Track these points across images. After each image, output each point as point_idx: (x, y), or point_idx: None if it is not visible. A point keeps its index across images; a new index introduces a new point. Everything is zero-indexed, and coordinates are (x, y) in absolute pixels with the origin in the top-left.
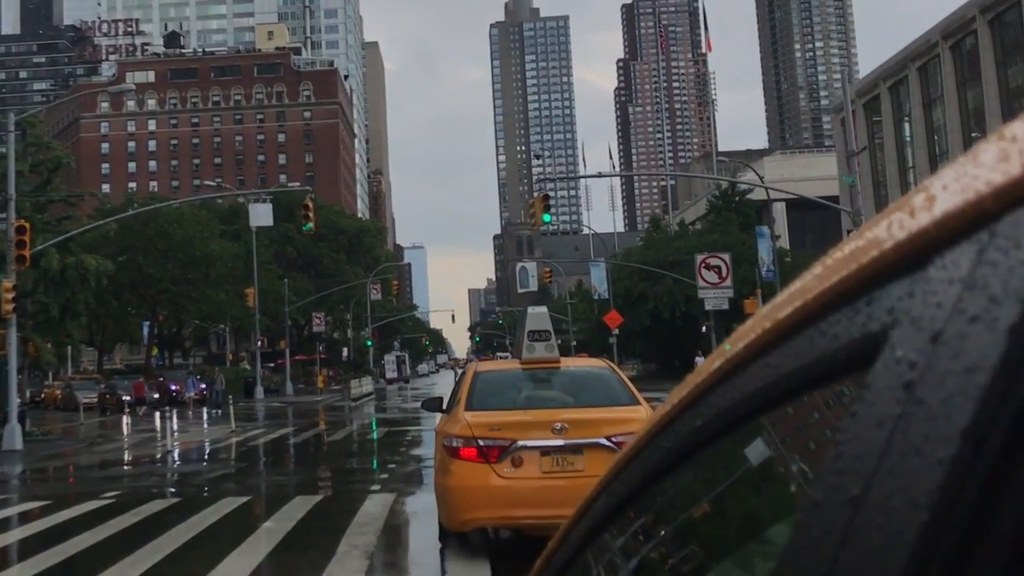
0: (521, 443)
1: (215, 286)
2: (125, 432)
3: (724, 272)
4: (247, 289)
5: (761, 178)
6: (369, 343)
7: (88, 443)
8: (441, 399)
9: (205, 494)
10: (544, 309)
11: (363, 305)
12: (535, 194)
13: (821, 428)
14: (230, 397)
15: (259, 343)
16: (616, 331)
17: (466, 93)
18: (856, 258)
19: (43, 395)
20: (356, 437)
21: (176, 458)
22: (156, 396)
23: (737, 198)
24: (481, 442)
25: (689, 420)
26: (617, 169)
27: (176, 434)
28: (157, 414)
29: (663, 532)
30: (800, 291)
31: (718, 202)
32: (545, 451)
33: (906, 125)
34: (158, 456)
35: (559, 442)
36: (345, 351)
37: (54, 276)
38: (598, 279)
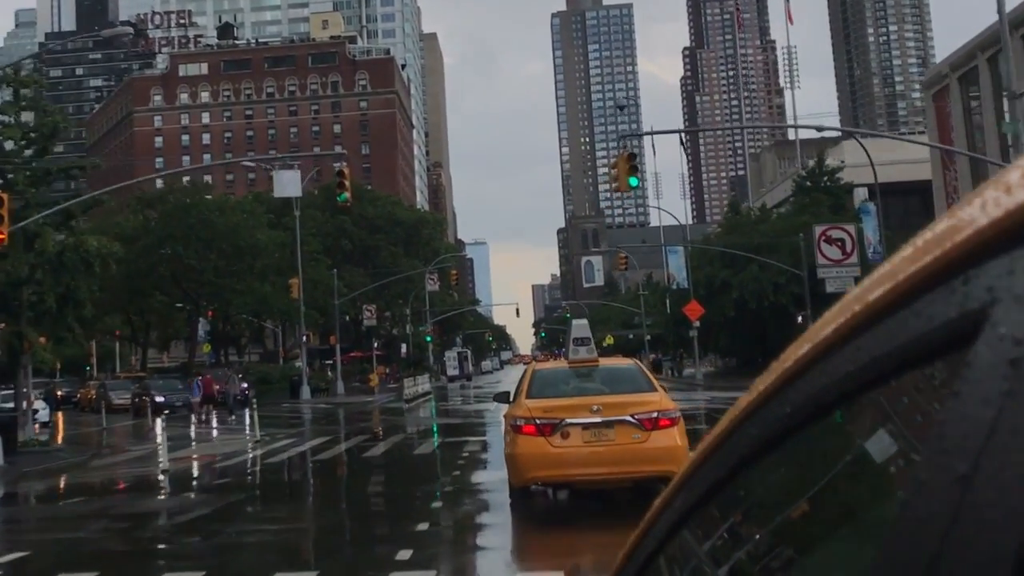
0: (568, 421)
1: (261, 278)
2: (134, 441)
3: (849, 246)
4: (291, 280)
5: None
6: (428, 339)
7: (90, 455)
8: (509, 393)
9: (132, 564)
10: (585, 321)
11: (422, 299)
12: (611, 162)
13: (917, 410)
14: (253, 401)
15: (304, 338)
16: (697, 323)
17: (526, 87)
18: (949, 237)
19: (78, 395)
20: (399, 453)
21: (159, 484)
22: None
23: (826, 178)
24: (538, 421)
25: (776, 407)
26: (686, 161)
27: (193, 445)
28: (192, 418)
29: (752, 519)
30: (890, 273)
31: (805, 183)
32: (585, 426)
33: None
34: (144, 479)
35: (596, 420)
36: (404, 347)
37: (51, 259)
38: (676, 267)
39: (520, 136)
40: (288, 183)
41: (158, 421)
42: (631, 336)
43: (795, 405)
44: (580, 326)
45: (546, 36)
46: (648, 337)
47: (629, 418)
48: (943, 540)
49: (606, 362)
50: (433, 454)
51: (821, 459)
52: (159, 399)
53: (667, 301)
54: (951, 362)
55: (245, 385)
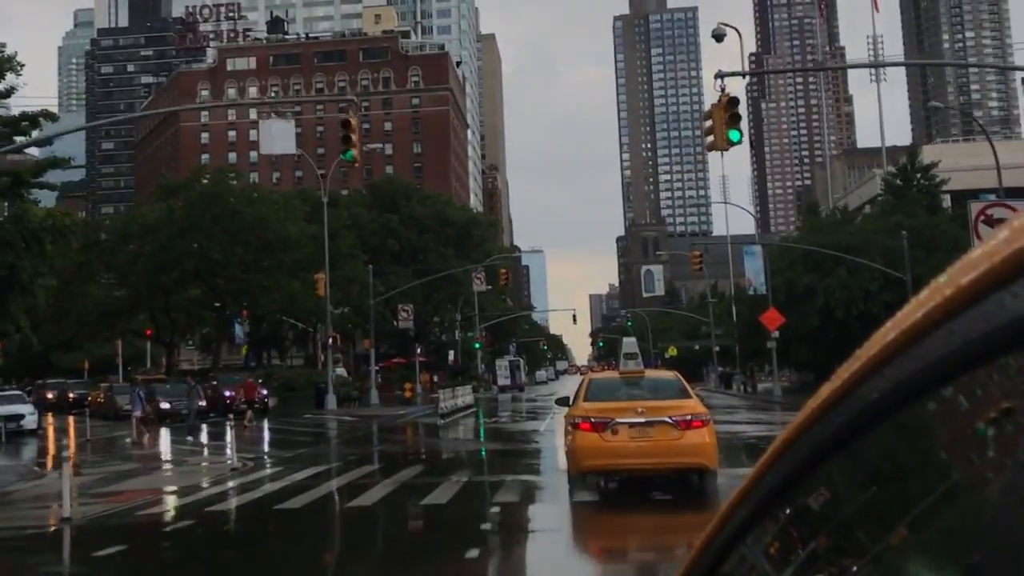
0: (617, 420)
1: (291, 274)
2: (92, 462)
3: None
4: (317, 274)
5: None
6: (477, 345)
7: (31, 477)
8: (568, 397)
9: None
10: (634, 339)
11: (473, 304)
12: (704, 113)
13: (1013, 393)
14: (250, 416)
15: (331, 341)
16: (776, 334)
17: (585, 94)
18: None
19: (89, 400)
20: (400, 502)
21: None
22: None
23: (919, 176)
24: (593, 419)
25: (863, 394)
26: (751, 167)
27: (139, 476)
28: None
29: (817, 527)
30: (986, 255)
31: (895, 181)
32: (632, 425)
33: None
34: (37, 529)
35: (640, 420)
36: (452, 354)
37: None
38: (753, 271)
39: (579, 144)
40: (278, 136)
41: (147, 435)
42: (697, 347)
43: (882, 391)
44: (629, 343)
45: (606, 42)
46: (716, 348)
47: (667, 419)
48: None
49: (651, 374)
50: (449, 507)
51: (898, 461)
52: (164, 406)
53: (733, 309)
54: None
55: (264, 392)
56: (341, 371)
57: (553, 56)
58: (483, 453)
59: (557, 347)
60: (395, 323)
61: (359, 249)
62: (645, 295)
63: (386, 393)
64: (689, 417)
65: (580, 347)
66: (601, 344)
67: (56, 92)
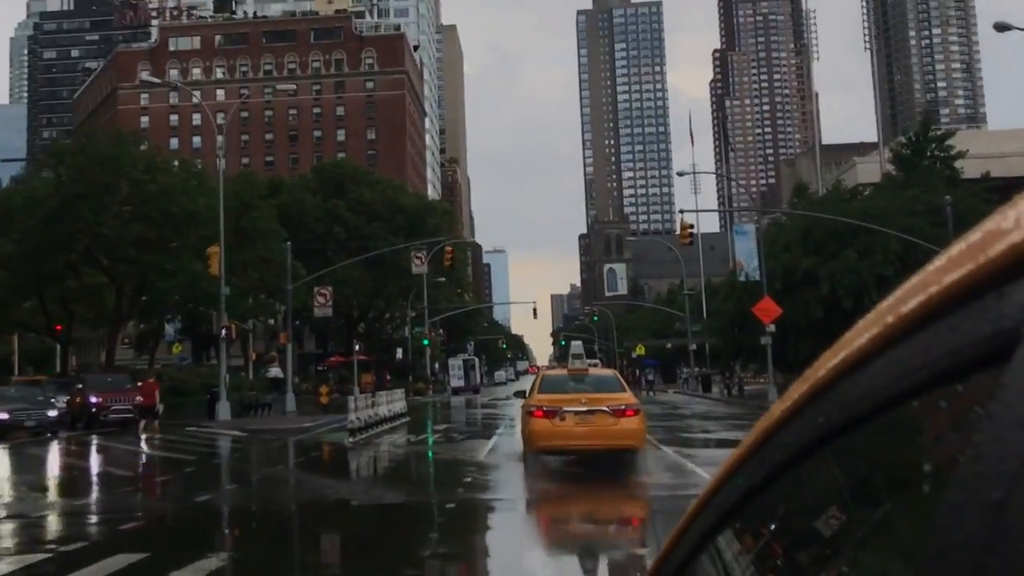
0: (564, 409)
1: (195, 254)
2: None
3: None
4: (210, 248)
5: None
6: (426, 342)
7: None
8: (525, 391)
9: None
10: (580, 342)
11: (432, 300)
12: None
13: (947, 428)
14: (144, 427)
15: (224, 332)
16: (771, 327)
17: (548, 97)
18: (982, 251)
19: None
20: None
21: None
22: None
23: (933, 146)
24: (545, 408)
25: (809, 418)
26: (714, 165)
27: None
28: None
29: (779, 533)
30: (922, 284)
31: (904, 151)
32: (577, 413)
33: None
34: None
35: (584, 409)
36: (400, 352)
37: None
38: (745, 252)
39: (542, 146)
40: None
41: None
42: (669, 345)
43: (827, 415)
44: (576, 345)
45: (569, 41)
46: (693, 346)
47: (606, 408)
48: (976, 568)
49: (594, 371)
50: None
51: (852, 474)
52: (2, 416)
53: (703, 304)
54: (984, 381)
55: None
56: (276, 371)
57: (515, 59)
58: (352, 517)
59: (518, 347)
60: (357, 320)
61: (277, 222)
62: (608, 294)
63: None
64: (623, 407)
65: (542, 347)
66: (563, 343)
67: (8, 84)
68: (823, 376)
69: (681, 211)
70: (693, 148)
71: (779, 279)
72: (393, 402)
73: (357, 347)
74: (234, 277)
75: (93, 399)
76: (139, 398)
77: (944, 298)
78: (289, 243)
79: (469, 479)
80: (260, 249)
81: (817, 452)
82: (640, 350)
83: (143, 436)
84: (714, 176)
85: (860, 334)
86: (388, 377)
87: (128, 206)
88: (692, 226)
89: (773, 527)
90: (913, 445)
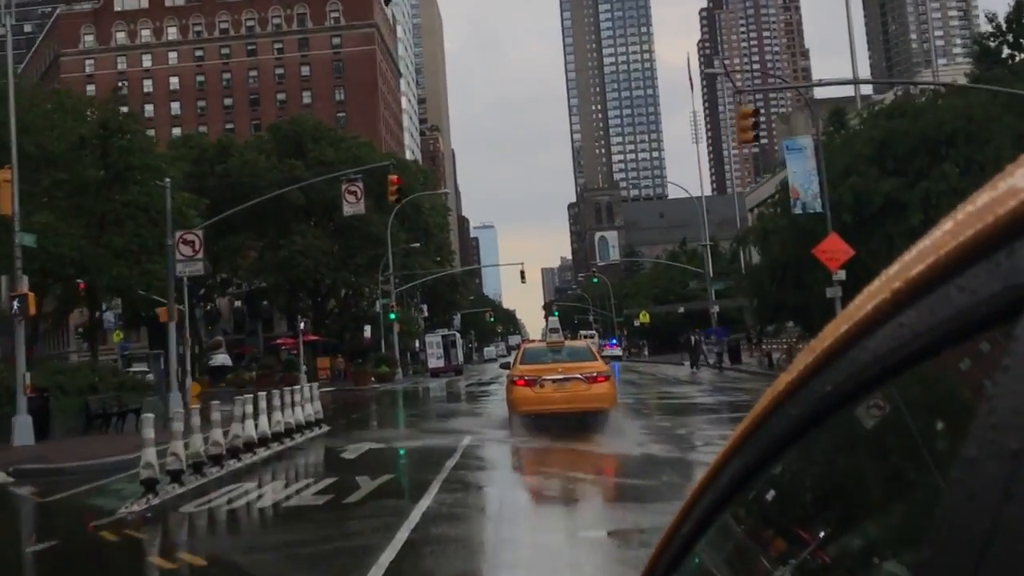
0: (543, 378)
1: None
2: None
3: None
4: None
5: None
6: (393, 316)
7: None
8: (510, 362)
9: None
10: (557, 316)
11: (405, 269)
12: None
13: (962, 385)
14: None
15: (17, 305)
16: (840, 274)
17: (532, 71)
18: (992, 210)
19: None
20: None
21: None
22: None
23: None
24: (526, 378)
25: (817, 386)
26: (705, 128)
27: None
28: None
29: (794, 499)
30: (932, 247)
31: (987, 42)
32: (554, 380)
33: None
34: None
35: (560, 376)
36: (367, 330)
37: None
38: (803, 174)
39: (529, 120)
40: None
41: None
42: (681, 310)
43: (836, 384)
44: (554, 321)
45: (551, 14)
46: (716, 308)
47: (579, 376)
48: (995, 517)
49: (569, 343)
50: None
51: (864, 439)
52: None
53: (708, 264)
54: (998, 337)
55: None
56: (223, 358)
57: (498, 34)
58: None
59: (509, 321)
60: (326, 295)
61: (156, 157)
62: (600, 262)
63: (262, 383)
64: (595, 374)
65: (535, 320)
66: (556, 314)
67: None
68: (830, 345)
69: (737, 90)
70: (692, 93)
71: (848, 210)
72: (292, 406)
73: (303, 324)
74: (103, 233)
75: None
76: None
77: (953, 259)
78: (168, 179)
79: None
80: (134, 193)
81: (825, 422)
82: (644, 317)
83: None
84: (705, 144)
85: (869, 299)
86: (340, 359)
87: None
88: (758, 112)
89: (781, 499)
90: (925, 405)
